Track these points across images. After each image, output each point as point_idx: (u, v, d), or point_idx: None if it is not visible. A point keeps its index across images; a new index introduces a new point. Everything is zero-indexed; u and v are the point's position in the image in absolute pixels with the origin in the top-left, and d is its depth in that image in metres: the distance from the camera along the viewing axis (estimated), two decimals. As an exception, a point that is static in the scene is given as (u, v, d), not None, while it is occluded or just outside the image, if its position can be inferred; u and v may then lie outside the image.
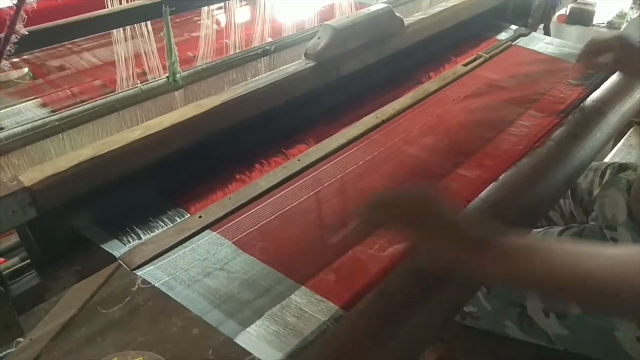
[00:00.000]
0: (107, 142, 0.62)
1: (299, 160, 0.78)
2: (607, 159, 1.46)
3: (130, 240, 0.63)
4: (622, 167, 0.88)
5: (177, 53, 0.74)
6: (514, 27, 1.30)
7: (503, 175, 0.74)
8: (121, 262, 0.61)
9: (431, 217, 0.53)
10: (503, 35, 1.25)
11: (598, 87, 1.01)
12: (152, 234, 0.64)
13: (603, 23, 1.87)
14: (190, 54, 1.07)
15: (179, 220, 0.67)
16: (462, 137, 0.88)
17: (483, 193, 0.71)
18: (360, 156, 0.80)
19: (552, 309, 0.71)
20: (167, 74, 0.78)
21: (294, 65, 0.82)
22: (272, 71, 0.81)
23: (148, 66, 0.81)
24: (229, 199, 0.70)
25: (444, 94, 1.00)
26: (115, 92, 0.74)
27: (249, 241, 0.64)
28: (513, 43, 1.22)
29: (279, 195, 0.71)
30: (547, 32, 1.57)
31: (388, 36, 0.95)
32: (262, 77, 0.79)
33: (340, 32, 0.84)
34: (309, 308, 0.55)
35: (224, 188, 0.72)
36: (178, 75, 0.76)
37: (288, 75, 0.80)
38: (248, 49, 0.87)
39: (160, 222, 0.66)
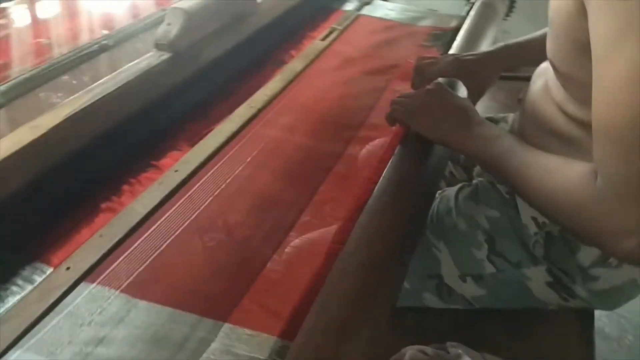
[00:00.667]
0: None
1: (176, 171, 0.66)
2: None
3: (-25, 322, 0.47)
4: (489, 120, 0.91)
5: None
6: (356, -4, 1.29)
7: (395, 153, 0.71)
8: (-30, 356, 0.44)
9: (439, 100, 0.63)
10: (349, 6, 1.23)
11: (450, 45, 1.05)
12: (8, 305, 0.48)
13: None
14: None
15: (40, 278, 0.51)
16: (343, 112, 0.83)
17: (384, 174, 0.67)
18: (244, 154, 0.71)
19: (468, 273, 0.70)
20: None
21: (145, 59, 0.69)
22: (118, 70, 0.66)
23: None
24: (100, 236, 0.56)
25: (311, 72, 0.94)
26: None
27: (143, 283, 0.52)
28: (360, 13, 1.21)
29: (163, 218, 0.59)
30: (383, -1, 1.60)
31: (243, 16, 0.86)
32: (108, 78, 0.64)
33: (193, 16, 0.72)
34: (243, 349, 0.45)
35: (90, 223, 0.58)
36: (-6, 90, 0.58)
37: (142, 73, 0.66)
38: (80, 46, 0.71)
39: (16, 288, 0.50)
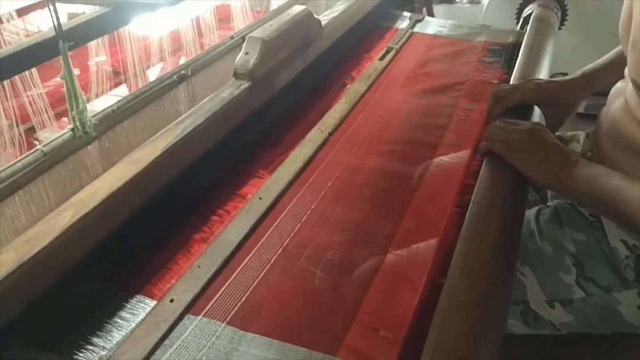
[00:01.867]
0: (32, 237, 0.45)
1: (260, 198, 0.66)
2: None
3: (93, 356, 0.47)
4: (559, 139, 0.89)
5: (85, 99, 0.57)
6: (407, 14, 1.29)
7: (480, 174, 0.70)
8: (88, 392, 0.45)
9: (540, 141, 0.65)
10: (401, 24, 1.23)
11: (511, 61, 1.04)
12: (117, 340, 0.49)
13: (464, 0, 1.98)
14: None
15: (144, 312, 0.52)
16: (416, 132, 0.83)
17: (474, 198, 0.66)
18: (323, 180, 0.71)
19: (556, 299, 0.68)
20: (70, 126, 0.60)
21: (227, 88, 0.70)
22: (204, 100, 0.67)
23: (40, 119, 0.63)
24: (199, 267, 0.56)
25: (375, 93, 0.94)
26: (9, 164, 0.55)
27: (247, 315, 0.52)
28: (413, 30, 1.21)
29: (257, 246, 0.59)
30: (430, 14, 1.60)
31: (310, 40, 0.86)
32: (196, 109, 0.65)
33: (270, 44, 0.73)
34: (359, 384, 0.45)
35: (187, 254, 0.58)
36: (88, 124, 0.59)
37: (225, 103, 0.67)
38: (161, 76, 0.72)
39: (122, 322, 0.50)
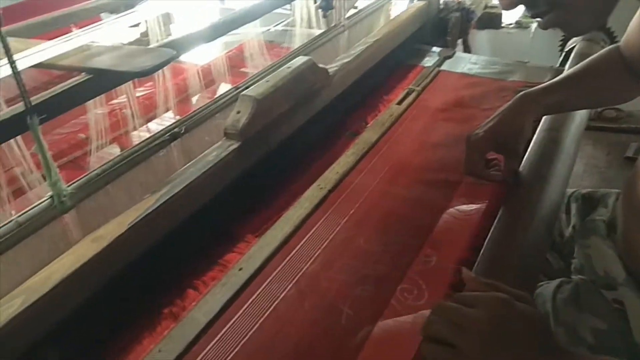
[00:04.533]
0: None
1: (240, 269, 0.63)
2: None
3: None
4: (586, 198, 0.81)
5: (57, 170, 0.56)
6: (436, 49, 1.22)
7: (489, 236, 0.64)
8: None
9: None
10: (428, 61, 1.17)
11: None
12: None
13: (511, 24, 1.87)
14: (83, 136, 0.90)
15: (97, 400, 0.50)
16: (428, 192, 0.77)
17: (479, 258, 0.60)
18: (312, 248, 0.66)
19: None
20: (50, 193, 0.60)
21: (214, 151, 0.67)
22: (187, 165, 0.65)
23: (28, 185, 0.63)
24: (159, 351, 0.53)
25: (387, 143, 0.88)
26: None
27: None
28: (440, 68, 1.15)
29: (224, 328, 0.56)
30: (466, 46, 1.52)
31: (314, 91, 0.82)
32: (175, 176, 0.63)
33: (263, 102, 0.70)
34: None
35: (152, 333, 0.56)
36: (64, 194, 0.59)
37: (210, 167, 0.64)
38: (152, 135, 0.71)
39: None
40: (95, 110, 0.78)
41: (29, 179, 0.72)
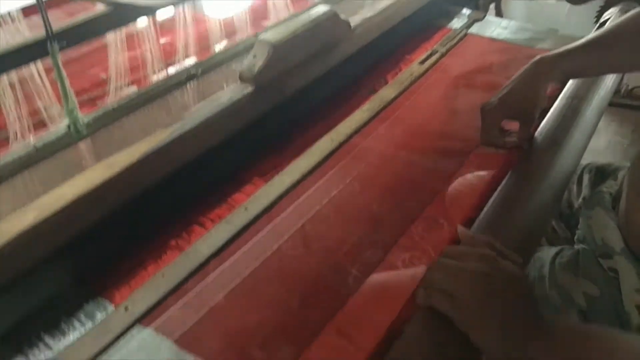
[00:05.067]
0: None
1: (245, 209, 0.65)
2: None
3: (38, 355, 0.49)
4: (599, 171, 0.79)
5: (74, 99, 0.58)
6: (466, 11, 1.19)
7: (494, 195, 0.64)
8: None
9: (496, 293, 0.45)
10: (456, 23, 1.15)
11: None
12: (67, 343, 0.50)
13: (549, -6, 1.81)
14: (104, 76, 0.91)
15: (101, 315, 0.52)
16: (440, 156, 0.76)
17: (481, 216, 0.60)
18: (322, 195, 0.68)
19: None
20: (67, 122, 0.62)
21: (228, 92, 0.68)
22: (200, 103, 0.66)
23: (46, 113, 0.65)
24: (163, 276, 0.56)
25: (403, 101, 0.88)
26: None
27: (196, 335, 0.51)
28: (468, 31, 1.12)
29: (226, 263, 0.58)
30: (499, 11, 1.48)
31: (334, 43, 0.82)
32: (188, 114, 0.65)
33: (280, 49, 0.70)
34: None
35: (157, 260, 0.58)
36: (80, 122, 0.61)
37: (222, 108, 0.66)
38: (169, 76, 0.72)
39: (78, 323, 0.52)
40: (117, 53, 0.79)
41: (50, 112, 0.74)
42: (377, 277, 0.56)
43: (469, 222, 0.61)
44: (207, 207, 0.65)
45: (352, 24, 0.86)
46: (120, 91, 0.86)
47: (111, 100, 0.66)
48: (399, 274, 0.56)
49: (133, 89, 0.88)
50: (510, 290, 0.47)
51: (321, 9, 0.79)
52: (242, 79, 0.70)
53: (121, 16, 0.60)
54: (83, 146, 0.61)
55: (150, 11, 0.67)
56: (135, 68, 0.90)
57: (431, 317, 0.48)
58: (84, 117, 0.62)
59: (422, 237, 0.61)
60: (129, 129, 0.66)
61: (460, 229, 0.54)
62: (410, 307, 0.50)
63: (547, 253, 0.68)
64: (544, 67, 0.68)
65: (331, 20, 0.79)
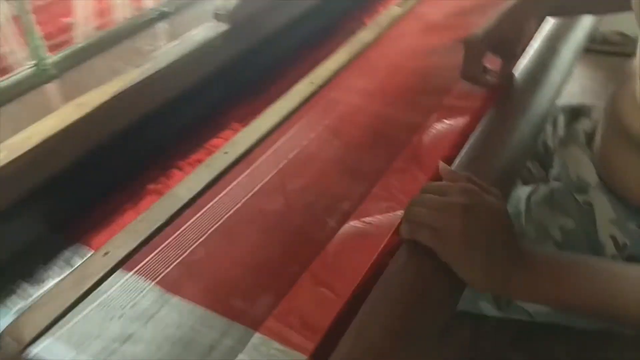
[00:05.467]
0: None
1: (225, 153, 0.63)
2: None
3: (16, 302, 0.47)
4: (575, 111, 0.80)
5: (39, 36, 0.54)
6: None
7: (474, 133, 0.64)
8: (6, 338, 0.45)
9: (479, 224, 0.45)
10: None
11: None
12: (45, 289, 0.48)
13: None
14: (71, 20, 0.86)
15: (79, 261, 0.51)
16: (419, 91, 0.76)
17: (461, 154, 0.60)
18: (301, 136, 0.66)
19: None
20: (34, 61, 0.58)
21: (201, 30, 0.65)
22: (173, 43, 0.63)
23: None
24: (141, 221, 0.54)
25: (382, 43, 0.86)
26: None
27: (178, 277, 0.50)
28: (445, -26, 1.09)
29: (206, 206, 0.57)
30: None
31: (311, -18, 0.79)
32: (161, 53, 0.62)
33: (255, -16, 0.67)
34: (268, 366, 0.43)
35: (135, 206, 0.57)
36: (47, 61, 0.57)
37: (196, 48, 0.63)
38: (140, 13, 0.68)
39: (56, 270, 0.50)
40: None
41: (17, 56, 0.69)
42: (353, 225, 0.55)
43: (448, 160, 0.62)
44: (185, 151, 0.63)
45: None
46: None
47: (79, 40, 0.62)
48: (375, 220, 0.56)
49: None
50: (494, 223, 0.47)
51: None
52: (217, 16, 0.67)
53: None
54: (52, 87, 0.57)
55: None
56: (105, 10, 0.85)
57: (415, 251, 0.48)
58: (51, 57, 0.58)
59: (397, 187, 0.61)
60: (99, 69, 0.62)
61: (442, 165, 0.54)
62: (388, 252, 0.50)
63: (522, 190, 0.69)
64: (530, 2, 0.66)
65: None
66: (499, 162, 0.62)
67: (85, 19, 0.82)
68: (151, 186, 0.59)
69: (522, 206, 0.66)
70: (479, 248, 0.45)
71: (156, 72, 0.58)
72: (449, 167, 0.54)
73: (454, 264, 0.46)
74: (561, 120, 0.80)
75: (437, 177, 0.57)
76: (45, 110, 0.54)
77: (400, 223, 0.50)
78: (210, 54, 0.64)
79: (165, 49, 0.61)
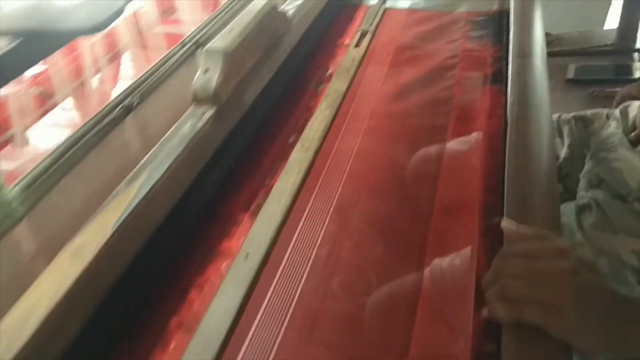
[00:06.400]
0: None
1: (246, 257, 0.53)
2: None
3: None
4: (577, 119, 0.79)
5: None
6: (373, -14, 1.14)
7: (506, 178, 0.59)
8: None
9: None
10: (371, 0, 1.09)
11: (501, 32, 0.92)
12: None
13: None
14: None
15: None
16: (418, 137, 0.71)
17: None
18: (318, 225, 0.58)
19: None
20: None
21: (187, 120, 0.55)
22: (161, 141, 0.53)
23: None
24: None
25: (359, 90, 0.81)
26: None
27: None
28: (386, 6, 1.07)
29: (251, 331, 0.47)
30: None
31: (278, 39, 0.72)
32: (152, 155, 0.51)
33: (234, 56, 0.59)
34: None
35: (165, 346, 0.45)
36: (12, 200, 0.45)
37: (190, 139, 0.53)
38: (101, 111, 0.57)
39: None
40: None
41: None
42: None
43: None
44: (200, 264, 0.52)
45: (288, 14, 0.76)
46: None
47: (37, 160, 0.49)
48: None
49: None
50: (594, 281, 0.42)
51: (258, 2, 0.68)
52: (198, 100, 0.57)
53: (35, 49, 0.44)
54: (22, 231, 0.45)
55: (67, 38, 0.51)
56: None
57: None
58: (9, 190, 0.46)
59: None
60: (72, 190, 0.51)
61: (506, 221, 0.49)
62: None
63: (568, 217, 0.65)
64: None
65: (272, 14, 0.69)
66: (541, 196, 0.58)
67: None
68: (174, 320, 0.48)
69: (579, 237, 0.61)
70: (594, 312, 0.40)
71: (156, 182, 0.47)
72: (515, 224, 0.48)
73: (572, 337, 0.40)
74: (567, 129, 0.78)
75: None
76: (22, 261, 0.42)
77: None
78: (202, 144, 0.55)
79: (154, 151, 0.51)
